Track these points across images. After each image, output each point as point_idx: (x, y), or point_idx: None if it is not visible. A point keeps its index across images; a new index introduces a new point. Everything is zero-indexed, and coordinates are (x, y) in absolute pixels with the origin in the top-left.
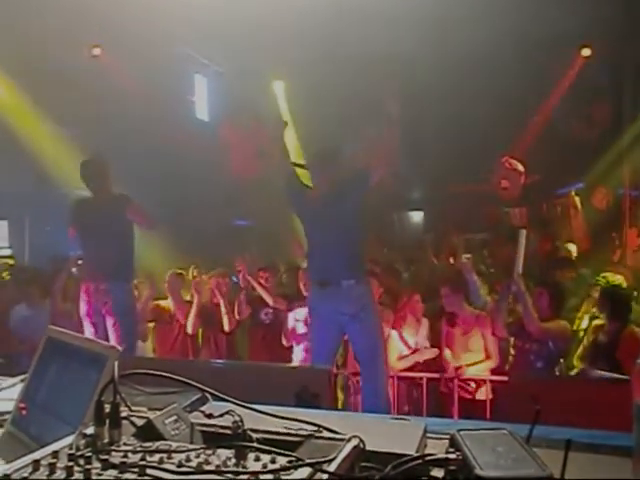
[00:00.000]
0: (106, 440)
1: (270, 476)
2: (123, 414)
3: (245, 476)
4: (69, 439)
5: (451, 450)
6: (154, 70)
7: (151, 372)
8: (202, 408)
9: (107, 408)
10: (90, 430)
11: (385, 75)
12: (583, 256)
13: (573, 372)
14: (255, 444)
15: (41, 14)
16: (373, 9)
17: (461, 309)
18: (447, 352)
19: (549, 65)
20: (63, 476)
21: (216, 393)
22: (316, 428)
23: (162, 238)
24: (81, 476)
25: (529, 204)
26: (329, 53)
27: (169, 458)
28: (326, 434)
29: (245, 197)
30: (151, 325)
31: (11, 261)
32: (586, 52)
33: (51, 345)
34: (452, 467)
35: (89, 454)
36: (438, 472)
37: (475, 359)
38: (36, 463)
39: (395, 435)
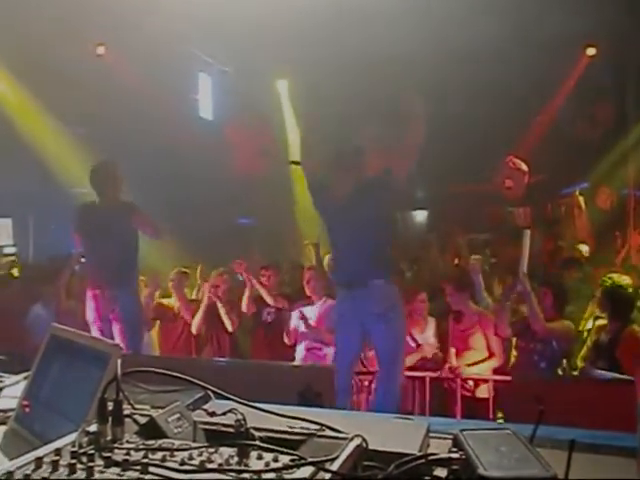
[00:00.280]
0: (109, 438)
1: (272, 475)
2: (126, 412)
3: (248, 474)
4: (72, 437)
5: (454, 450)
6: (158, 69)
7: (154, 370)
8: (205, 406)
9: (110, 406)
10: (93, 428)
11: (397, 75)
12: (588, 256)
13: (576, 373)
14: (258, 442)
15: (45, 13)
16: (375, 9)
17: (467, 308)
18: (452, 350)
19: (553, 65)
20: (66, 473)
21: (219, 391)
22: (319, 427)
23: (165, 236)
24: (84, 474)
25: (533, 204)
26: (333, 52)
27: (172, 456)
28: (329, 433)
29: (249, 195)
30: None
31: (15, 258)
32: (591, 51)
33: (54, 343)
34: (455, 467)
35: (92, 452)
36: (441, 472)
37: (477, 358)
38: (39, 460)
39: (398, 434)
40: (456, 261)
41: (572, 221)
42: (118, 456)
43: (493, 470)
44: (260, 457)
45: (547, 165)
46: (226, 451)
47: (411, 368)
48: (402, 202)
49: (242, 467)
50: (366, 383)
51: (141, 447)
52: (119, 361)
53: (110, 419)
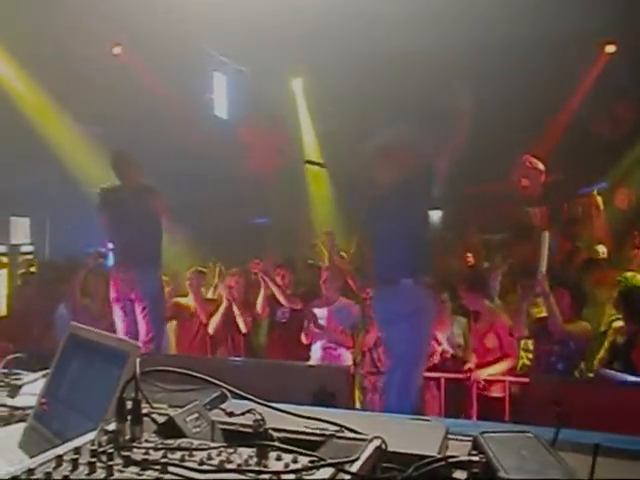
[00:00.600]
0: (128, 437)
1: (292, 476)
2: (144, 411)
3: (267, 475)
4: (91, 435)
5: (474, 452)
6: (173, 68)
7: (173, 370)
8: (222, 406)
9: (128, 405)
10: (112, 426)
11: (411, 72)
12: (606, 257)
13: (592, 375)
14: (277, 443)
15: (62, 14)
16: (392, 7)
17: (483, 308)
18: (472, 351)
19: (571, 62)
20: (86, 472)
21: (238, 392)
22: (337, 428)
23: (181, 235)
24: (103, 473)
25: (550, 204)
26: (348, 50)
27: (190, 456)
28: (347, 434)
29: (263, 195)
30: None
31: (33, 257)
32: (610, 49)
33: (73, 341)
34: (475, 470)
35: (111, 450)
36: (461, 474)
37: (491, 358)
38: (59, 459)
39: (417, 436)
40: (471, 261)
41: (590, 221)
42: (137, 455)
43: (515, 474)
44: (279, 458)
45: (564, 164)
46: (245, 451)
47: (427, 369)
48: (437, 201)
49: (261, 468)
50: (378, 384)
51: (160, 446)
52: (138, 360)
53: (129, 418)
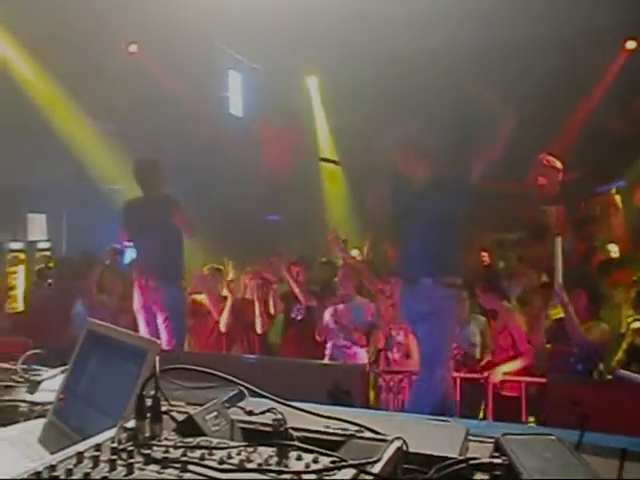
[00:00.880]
0: (147, 434)
1: (313, 476)
2: (163, 408)
3: (288, 475)
4: (111, 432)
5: (496, 454)
6: (189, 66)
7: (191, 367)
8: (240, 404)
9: (148, 402)
10: (131, 424)
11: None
12: (624, 256)
13: (611, 376)
14: (297, 443)
15: (78, 11)
16: (405, 6)
17: (500, 307)
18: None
19: (590, 59)
20: (106, 470)
21: (257, 390)
22: (357, 428)
23: (196, 233)
24: (124, 470)
25: (567, 202)
26: (363, 48)
27: (210, 454)
28: (368, 434)
29: (278, 192)
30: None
31: (50, 253)
32: (631, 45)
33: (91, 338)
34: (497, 472)
35: (131, 448)
36: (482, 477)
37: (504, 356)
38: (80, 455)
39: (437, 437)
40: (486, 261)
41: (607, 220)
42: (157, 453)
43: (538, 477)
44: (299, 458)
45: (582, 162)
46: (265, 451)
47: None
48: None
49: (282, 468)
50: (391, 383)
51: (179, 445)
52: (157, 358)
53: (148, 416)
